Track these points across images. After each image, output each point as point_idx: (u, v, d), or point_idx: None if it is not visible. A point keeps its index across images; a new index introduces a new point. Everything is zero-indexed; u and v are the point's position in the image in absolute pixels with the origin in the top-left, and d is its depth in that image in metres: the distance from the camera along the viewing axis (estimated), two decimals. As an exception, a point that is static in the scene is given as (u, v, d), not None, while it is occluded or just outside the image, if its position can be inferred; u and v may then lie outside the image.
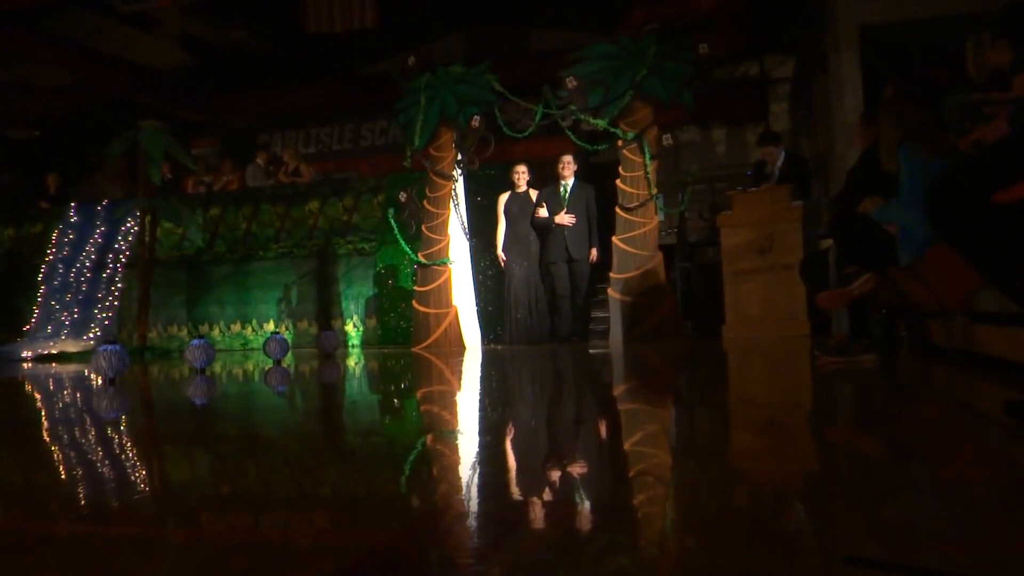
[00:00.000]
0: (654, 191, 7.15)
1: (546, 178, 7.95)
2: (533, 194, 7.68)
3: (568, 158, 7.59)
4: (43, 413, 3.44)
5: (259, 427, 2.81)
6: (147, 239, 8.75)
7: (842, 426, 2.35)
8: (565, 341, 7.38)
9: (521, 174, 7.67)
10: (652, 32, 7.63)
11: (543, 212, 7.48)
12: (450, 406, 3.25)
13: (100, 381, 4.53)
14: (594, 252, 7.47)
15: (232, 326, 9.16)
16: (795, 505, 1.35)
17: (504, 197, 7.72)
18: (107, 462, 2.05)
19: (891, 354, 4.16)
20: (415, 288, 7.83)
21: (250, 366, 6.06)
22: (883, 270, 3.81)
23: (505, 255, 7.66)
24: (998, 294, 2.73)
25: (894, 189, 3.60)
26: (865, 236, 3.81)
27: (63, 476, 1.89)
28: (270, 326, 8.92)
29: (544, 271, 7.62)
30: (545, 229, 7.53)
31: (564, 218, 7.42)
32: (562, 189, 7.57)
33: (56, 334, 8.89)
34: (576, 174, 7.67)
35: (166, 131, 9.21)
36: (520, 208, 7.62)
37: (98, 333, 8.80)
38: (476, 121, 7.49)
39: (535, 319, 7.51)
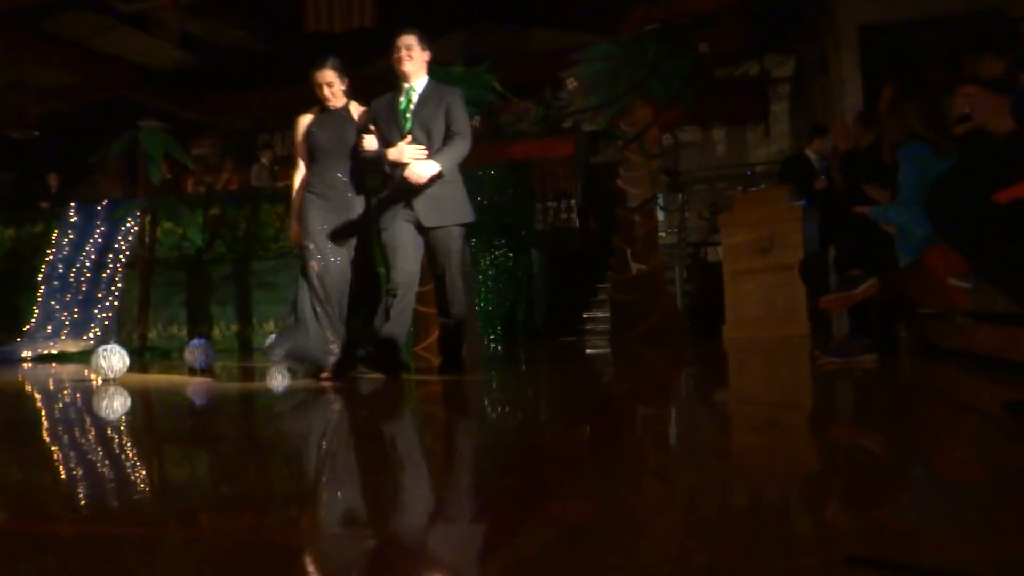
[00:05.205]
0: (655, 191, 7.15)
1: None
2: (355, 112, 4.13)
3: (411, 39, 3.98)
4: (43, 413, 3.44)
5: (258, 427, 2.81)
6: (147, 239, 8.75)
7: (842, 426, 2.35)
8: (454, 366, 4.34)
9: (330, 84, 4.03)
10: (652, 32, 7.62)
11: (370, 142, 3.98)
12: (446, 406, 3.25)
13: (100, 381, 4.52)
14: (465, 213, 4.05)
15: (232, 326, 9.15)
16: (795, 505, 1.34)
17: (304, 120, 4.16)
18: (106, 462, 2.04)
19: (891, 354, 4.16)
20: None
21: (250, 366, 6.05)
22: (883, 271, 3.81)
23: (303, 222, 4.03)
24: (998, 294, 2.73)
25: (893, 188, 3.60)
26: (863, 237, 3.81)
27: (62, 476, 1.89)
28: (270, 326, 8.91)
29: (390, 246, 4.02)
30: (374, 166, 4.06)
31: (403, 150, 3.86)
32: (403, 100, 3.99)
33: (56, 334, 8.88)
34: (430, 72, 4.09)
35: (166, 131, 9.21)
36: (331, 136, 4.06)
37: (98, 333, 8.79)
38: (476, 121, 7.48)
39: (343, 329, 4.04)
